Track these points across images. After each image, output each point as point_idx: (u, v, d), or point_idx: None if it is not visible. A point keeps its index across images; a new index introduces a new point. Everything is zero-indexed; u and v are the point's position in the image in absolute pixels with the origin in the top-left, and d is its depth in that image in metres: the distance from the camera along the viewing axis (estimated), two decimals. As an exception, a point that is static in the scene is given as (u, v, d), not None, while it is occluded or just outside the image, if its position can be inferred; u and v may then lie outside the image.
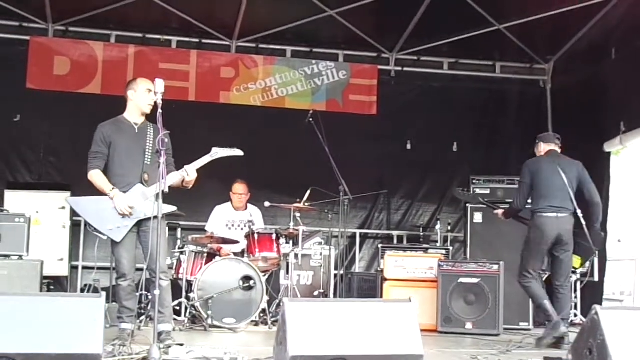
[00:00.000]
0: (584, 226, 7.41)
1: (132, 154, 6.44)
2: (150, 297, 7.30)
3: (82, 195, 8.74)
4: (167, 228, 6.83)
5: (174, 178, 6.35)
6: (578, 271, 9.74)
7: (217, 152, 6.64)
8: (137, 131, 6.51)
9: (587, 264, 9.75)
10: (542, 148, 7.77)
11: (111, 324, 6.88)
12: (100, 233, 6.31)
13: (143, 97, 6.50)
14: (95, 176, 6.41)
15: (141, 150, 6.43)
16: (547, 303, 7.27)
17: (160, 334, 5.89)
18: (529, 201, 7.63)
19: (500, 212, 8.04)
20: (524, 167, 7.64)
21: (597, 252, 8.34)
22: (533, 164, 7.64)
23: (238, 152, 6.84)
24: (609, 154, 10.02)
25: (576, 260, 7.57)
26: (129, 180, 6.37)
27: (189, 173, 6.40)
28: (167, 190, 5.86)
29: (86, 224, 6.51)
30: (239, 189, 9.26)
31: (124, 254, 6.32)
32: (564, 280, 7.48)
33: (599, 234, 7.65)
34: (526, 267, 7.41)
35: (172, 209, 6.35)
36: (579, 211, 7.42)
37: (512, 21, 10.63)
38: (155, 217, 5.67)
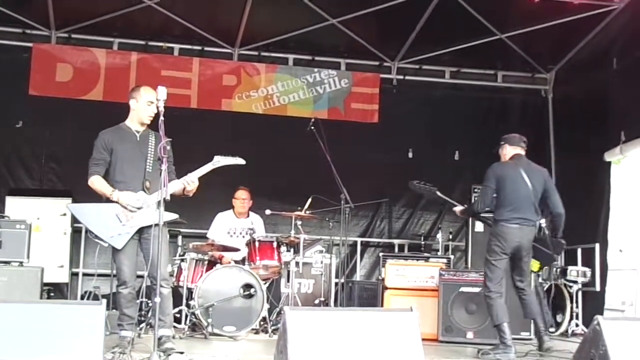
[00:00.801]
0: (546, 234, 7.28)
1: (134, 161, 6.43)
2: (150, 304, 7.32)
3: (84, 202, 8.76)
4: (168, 235, 6.79)
5: (176, 186, 6.36)
6: (579, 281, 9.76)
7: (219, 161, 6.67)
8: (138, 139, 6.50)
9: (589, 273, 9.81)
10: (507, 151, 7.49)
11: (111, 332, 6.87)
12: (102, 240, 6.26)
13: (143, 108, 6.49)
14: (96, 182, 6.39)
15: (143, 158, 6.42)
16: (506, 326, 6.96)
17: (160, 337, 5.89)
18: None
19: (459, 209, 7.81)
20: (489, 171, 7.31)
21: (556, 259, 8.31)
22: (500, 168, 7.34)
23: (240, 161, 6.86)
24: (609, 163, 10.02)
25: (534, 264, 7.45)
26: (130, 188, 6.35)
27: (191, 181, 6.42)
28: (168, 197, 5.88)
29: (87, 230, 6.49)
30: (242, 195, 9.26)
31: (125, 261, 6.29)
32: (527, 283, 7.34)
33: (560, 243, 7.49)
34: (490, 282, 7.10)
35: (173, 216, 6.37)
36: (542, 221, 7.26)
37: (514, 30, 10.65)
38: (157, 225, 5.67)
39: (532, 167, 7.45)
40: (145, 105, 6.47)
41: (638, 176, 9.74)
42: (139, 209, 6.28)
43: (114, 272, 6.68)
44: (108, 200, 6.33)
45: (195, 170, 6.53)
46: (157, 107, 6.04)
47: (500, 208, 7.21)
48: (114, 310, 7.50)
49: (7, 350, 4.23)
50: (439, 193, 7.96)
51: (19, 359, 4.23)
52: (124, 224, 6.24)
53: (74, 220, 10.00)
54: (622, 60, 9.79)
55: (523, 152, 7.54)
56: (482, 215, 7.78)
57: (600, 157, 10.01)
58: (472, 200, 10.49)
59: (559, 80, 11.79)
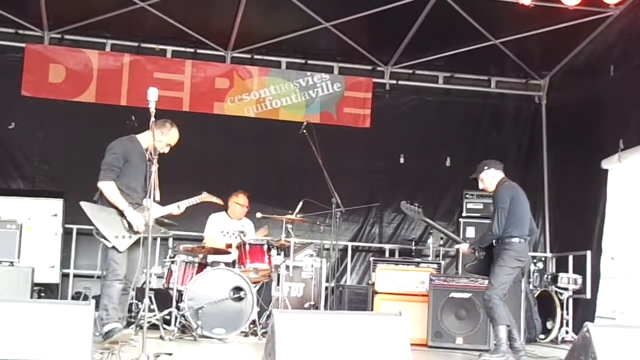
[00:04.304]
0: None
1: (139, 176, 6.74)
2: (140, 305, 7.37)
3: (75, 202, 8.84)
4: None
5: (166, 210, 6.94)
6: (570, 288, 9.77)
7: (205, 197, 7.47)
8: (147, 157, 6.71)
9: (580, 280, 9.82)
10: (495, 174, 7.48)
11: (100, 332, 6.85)
12: (106, 239, 6.54)
13: (160, 145, 6.78)
14: (111, 189, 6.67)
15: (145, 177, 6.68)
16: (504, 329, 7.03)
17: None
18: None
19: (465, 247, 7.76)
20: (502, 193, 7.32)
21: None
22: (511, 189, 7.38)
23: (220, 202, 7.87)
24: (606, 171, 9.99)
25: None
26: (133, 200, 6.70)
27: (179, 208, 7.07)
28: (158, 198, 6.27)
29: (93, 228, 6.66)
30: (243, 201, 9.30)
31: (122, 260, 6.55)
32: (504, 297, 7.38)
33: (530, 258, 7.91)
34: (500, 291, 7.09)
35: (169, 233, 7.24)
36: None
37: (508, 36, 10.66)
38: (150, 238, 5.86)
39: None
40: (164, 144, 6.82)
41: (634, 184, 9.73)
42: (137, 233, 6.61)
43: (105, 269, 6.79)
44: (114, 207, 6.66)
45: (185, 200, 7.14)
46: (149, 109, 6.06)
47: (513, 226, 7.22)
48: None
49: (-5, 350, 4.23)
50: (425, 218, 8.00)
51: (7, 358, 4.21)
52: (127, 231, 6.59)
53: (65, 221, 10.00)
54: (620, 68, 9.77)
55: None
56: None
57: (597, 165, 9.98)
58: (464, 207, 10.54)
59: (553, 87, 11.80)
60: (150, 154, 5.91)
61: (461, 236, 9.74)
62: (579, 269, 10.09)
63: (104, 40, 10.97)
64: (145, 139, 6.84)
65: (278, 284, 8.51)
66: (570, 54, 10.94)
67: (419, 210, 7.82)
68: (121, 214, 6.60)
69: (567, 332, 9.57)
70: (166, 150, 6.86)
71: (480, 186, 7.59)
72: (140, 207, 6.69)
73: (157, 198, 6.12)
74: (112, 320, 6.46)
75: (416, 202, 7.86)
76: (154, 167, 5.84)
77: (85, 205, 6.74)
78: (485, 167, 7.51)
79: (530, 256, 7.73)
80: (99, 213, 6.65)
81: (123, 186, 6.69)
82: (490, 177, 7.49)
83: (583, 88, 10.68)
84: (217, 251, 8.59)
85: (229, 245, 8.81)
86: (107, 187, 6.67)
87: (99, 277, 8.24)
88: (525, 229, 7.29)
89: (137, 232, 6.53)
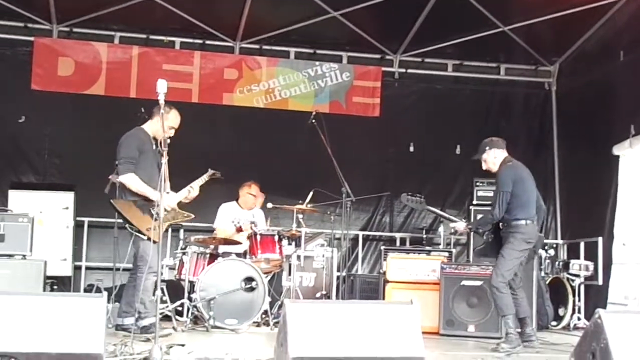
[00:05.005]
0: None
1: (151, 167, 6.81)
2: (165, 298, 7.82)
3: (86, 195, 8.95)
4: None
5: (181, 195, 7.03)
6: (582, 275, 9.75)
7: (214, 173, 7.48)
8: (154, 147, 6.86)
9: (591, 267, 9.80)
10: (497, 154, 7.39)
11: (114, 324, 6.89)
12: (140, 233, 6.62)
13: (165, 130, 6.65)
14: (135, 180, 6.76)
15: (156, 165, 6.73)
16: (512, 318, 7.08)
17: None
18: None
19: (461, 225, 7.71)
20: (504, 176, 7.21)
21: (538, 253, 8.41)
22: (513, 171, 7.27)
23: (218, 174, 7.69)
24: (617, 157, 9.95)
25: None
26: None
27: (192, 189, 7.11)
28: (169, 190, 6.49)
29: (126, 223, 6.74)
30: (256, 191, 9.36)
31: (155, 251, 6.40)
32: (519, 283, 7.36)
33: (542, 237, 7.69)
34: (507, 276, 7.10)
35: (191, 216, 7.10)
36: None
37: (517, 22, 10.60)
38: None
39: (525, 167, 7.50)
40: (167, 127, 6.69)
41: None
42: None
43: (122, 264, 6.91)
44: (140, 197, 6.74)
45: (195, 180, 7.22)
46: (159, 101, 6.06)
47: (519, 208, 7.18)
48: (116, 303, 7.55)
49: (9, 342, 4.24)
50: (429, 207, 7.95)
51: (21, 351, 4.23)
52: (156, 220, 6.51)
53: (77, 213, 10.04)
54: (630, 53, 9.71)
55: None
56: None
57: (608, 151, 9.93)
58: (474, 195, 10.51)
59: (563, 73, 11.74)
60: (160, 145, 5.91)
61: (472, 225, 9.71)
62: (591, 255, 10.07)
63: (112, 33, 10.98)
64: (150, 127, 6.95)
65: (289, 274, 8.53)
66: (580, 39, 10.87)
67: (421, 200, 7.74)
68: (147, 204, 6.63)
69: (578, 319, 9.56)
70: (171, 133, 6.86)
71: (484, 167, 7.50)
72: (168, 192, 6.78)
73: (168, 189, 6.17)
74: (150, 314, 6.52)
75: (417, 193, 7.81)
76: (164, 159, 5.84)
77: (115, 202, 6.81)
78: (487, 148, 7.43)
79: (541, 235, 7.61)
80: (129, 208, 6.72)
81: (141, 176, 6.76)
82: (493, 157, 7.41)
83: (593, 74, 10.62)
84: (228, 242, 8.61)
85: (240, 229, 8.82)
86: (130, 180, 6.74)
87: (117, 269, 8.26)
88: (532, 210, 7.24)
89: (167, 213, 6.64)
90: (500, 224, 7.30)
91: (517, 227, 7.15)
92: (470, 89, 11.83)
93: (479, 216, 9.43)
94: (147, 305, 6.59)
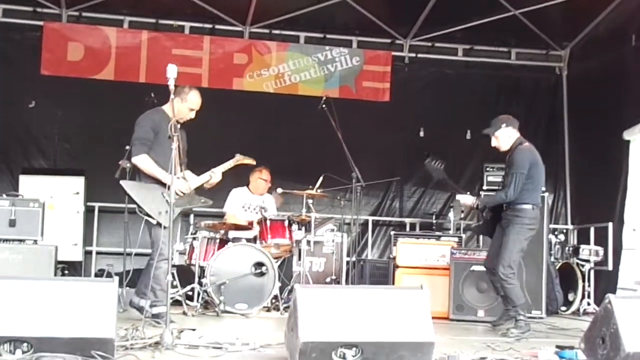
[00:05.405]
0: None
1: (168, 149, 6.52)
2: (175, 283, 7.72)
3: (97, 180, 8.89)
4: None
5: (201, 179, 6.85)
6: (592, 260, 9.74)
7: (239, 159, 7.30)
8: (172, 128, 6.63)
9: (601, 252, 9.78)
10: (512, 133, 7.28)
11: (124, 309, 6.93)
12: (150, 217, 6.46)
13: (184, 112, 6.71)
14: (147, 162, 6.61)
15: (178, 146, 6.50)
16: (523, 306, 7.10)
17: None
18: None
19: (469, 200, 7.52)
20: (524, 158, 7.09)
21: None
22: (531, 154, 7.17)
23: (253, 162, 7.64)
24: (627, 142, 9.92)
25: None
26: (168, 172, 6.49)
27: (214, 174, 6.94)
28: (179, 176, 6.36)
29: (137, 207, 6.56)
30: (267, 176, 9.38)
31: (166, 238, 6.33)
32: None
33: None
34: (514, 266, 7.08)
35: (209, 202, 6.94)
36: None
37: (529, 6, 10.51)
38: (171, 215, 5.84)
39: None
40: (187, 110, 6.71)
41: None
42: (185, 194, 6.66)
43: (133, 250, 6.86)
44: (153, 179, 6.59)
45: (219, 165, 7.08)
46: (169, 86, 6.02)
47: (533, 192, 7.14)
48: (127, 288, 7.58)
49: (21, 327, 4.27)
50: (446, 177, 7.83)
51: (32, 336, 4.26)
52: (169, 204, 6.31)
53: (87, 198, 10.08)
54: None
55: None
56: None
57: (618, 136, 9.90)
58: (484, 180, 10.46)
59: (574, 58, 11.69)
60: (170, 129, 5.82)
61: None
62: (601, 240, 10.06)
63: (121, 17, 10.96)
64: (169, 108, 6.69)
65: (299, 259, 8.53)
66: (591, 24, 10.81)
67: (440, 167, 7.61)
68: (161, 187, 6.44)
69: (588, 304, 9.56)
70: (192, 115, 6.75)
71: (494, 143, 7.35)
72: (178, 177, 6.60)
73: (179, 174, 6.13)
74: (160, 303, 6.48)
75: (439, 159, 7.65)
76: (174, 145, 5.79)
77: (125, 183, 6.69)
78: (503, 125, 7.28)
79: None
80: (139, 190, 6.56)
81: (156, 158, 6.59)
82: (507, 136, 7.28)
83: (604, 58, 10.56)
84: (238, 227, 8.62)
85: (250, 223, 8.83)
86: (142, 161, 6.61)
87: (128, 254, 8.29)
88: (539, 196, 7.22)
89: (180, 198, 6.52)
90: (505, 205, 7.22)
91: (522, 211, 7.10)
92: (481, 73, 11.78)
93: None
94: (157, 294, 6.53)
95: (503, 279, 7.06)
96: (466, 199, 7.55)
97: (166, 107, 6.73)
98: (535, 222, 7.18)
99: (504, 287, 7.12)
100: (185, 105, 6.68)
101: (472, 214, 9.76)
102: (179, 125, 6.34)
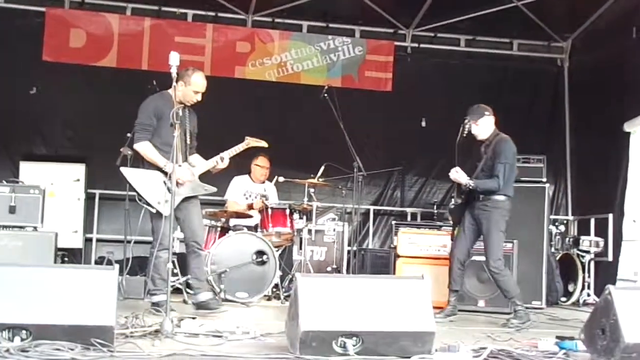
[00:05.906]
0: None
1: (172, 133, 6.48)
2: (176, 271, 7.70)
3: (98, 167, 8.83)
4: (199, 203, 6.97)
5: (209, 164, 6.77)
6: (592, 251, 9.75)
7: (250, 142, 7.10)
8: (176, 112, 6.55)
9: (602, 243, 9.79)
10: (491, 123, 7.34)
11: (124, 297, 6.93)
12: (149, 205, 6.42)
13: (189, 95, 6.64)
14: (148, 148, 6.53)
15: (182, 131, 6.45)
16: (519, 296, 7.10)
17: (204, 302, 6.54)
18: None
19: (462, 177, 7.33)
20: (510, 148, 7.16)
21: None
22: (514, 145, 7.22)
23: (264, 144, 7.36)
24: (628, 133, 9.92)
25: None
26: (169, 157, 6.31)
27: (222, 159, 6.81)
28: (181, 163, 6.31)
29: (136, 195, 6.53)
30: (264, 162, 9.32)
31: (167, 227, 6.20)
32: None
33: None
34: (500, 255, 7.11)
35: (212, 189, 6.80)
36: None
37: (531, -3, 10.51)
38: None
39: None
40: (191, 93, 6.63)
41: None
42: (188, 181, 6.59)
43: (133, 237, 6.83)
44: (156, 167, 6.51)
45: (227, 149, 6.93)
46: (171, 74, 5.99)
47: (508, 184, 7.17)
48: (127, 276, 7.59)
49: (20, 314, 4.26)
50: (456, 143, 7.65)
51: (32, 323, 4.26)
52: (169, 192, 6.23)
53: (88, 186, 10.08)
54: (642, 29, 9.66)
55: None
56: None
57: (619, 127, 9.90)
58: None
59: (576, 49, 11.67)
60: (173, 117, 5.78)
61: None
62: (601, 231, 10.07)
63: (124, 4, 10.91)
64: (175, 91, 6.65)
65: (300, 248, 8.55)
66: (593, 16, 10.78)
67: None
68: (163, 175, 6.39)
69: (588, 295, 9.58)
70: (199, 98, 6.65)
71: (474, 131, 7.34)
72: (183, 165, 6.58)
73: (180, 162, 6.10)
74: (160, 292, 6.48)
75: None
76: (176, 132, 5.77)
77: (125, 170, 6.63)
78: (487, 113, 7.34)
79: None
80: (139, 178, 6.50)
81: (159, 143, 6.51)
82: (488, 125, 7.34)
83: (606, 50, 10.54)
84: (239, 215, 8.62)
85: (250, 205, 8.84)
86: (143, 147, 6.53)
87: (129, 241, 8.29)
88: (512, 188, 7.21)
89: (181, 186, 6.46)
90: (481, 195, 7.20)
91: (498, 202, 7.13)
92: (483, 64, 11.75)
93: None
94: (156, 283, 6.53)
95: (496, 272, 7.09)
96: (461, 176, 7.42)
97: (172, 91, 6.55)
98: (509, 213, 7.19)
99: (498, 281, 7.16)
100: (190, 89, 6.60)
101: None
102: (187, 111, 6.34)
